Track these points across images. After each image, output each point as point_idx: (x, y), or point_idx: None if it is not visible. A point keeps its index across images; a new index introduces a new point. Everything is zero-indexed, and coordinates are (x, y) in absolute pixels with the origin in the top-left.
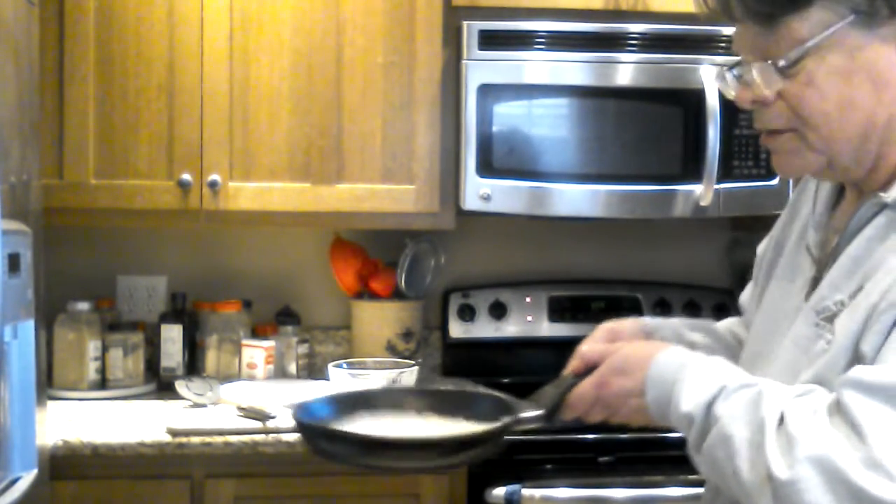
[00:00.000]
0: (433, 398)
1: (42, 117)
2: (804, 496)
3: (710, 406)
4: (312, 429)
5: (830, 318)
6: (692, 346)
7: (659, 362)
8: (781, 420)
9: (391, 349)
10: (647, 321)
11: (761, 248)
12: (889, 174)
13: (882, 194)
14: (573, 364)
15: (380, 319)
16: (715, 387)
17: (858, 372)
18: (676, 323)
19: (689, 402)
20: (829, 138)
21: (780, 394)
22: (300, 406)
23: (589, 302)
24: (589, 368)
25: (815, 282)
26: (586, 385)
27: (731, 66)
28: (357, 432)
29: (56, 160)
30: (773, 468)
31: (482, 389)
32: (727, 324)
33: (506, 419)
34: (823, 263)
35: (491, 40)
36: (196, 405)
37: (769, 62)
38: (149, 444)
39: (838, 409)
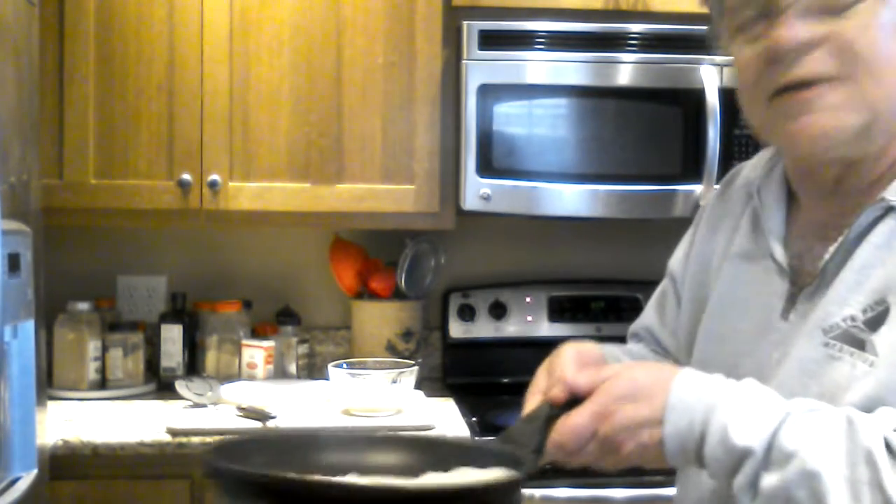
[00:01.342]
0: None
1: (42, 117)
2: None
3: (775, 436)
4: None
5: (844, 337)
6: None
7: (683, 385)
8: (889, 448)
9: (391, 349)
10: (599, 346)
11: (677, 266)
12: (881, 170)
13: (888, 196)
14: (553, 393)
15: (380, 319)
16: (778, 413)
17: None
18: (614, 349)
19: (743, 432)
20: (877, 91)
21: (870, 419)
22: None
23: (589, 302)
24: (571, 400)
25: (793, 297)
26: (582, 417)
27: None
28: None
29: (56, 160)
30: None
31: (455, 438)
32: (638, 349)
33: (485, 483)
34: (805, 278)
35: (491, 40)
36: (196, 405)
37: None
38: (149, 444)
39: None
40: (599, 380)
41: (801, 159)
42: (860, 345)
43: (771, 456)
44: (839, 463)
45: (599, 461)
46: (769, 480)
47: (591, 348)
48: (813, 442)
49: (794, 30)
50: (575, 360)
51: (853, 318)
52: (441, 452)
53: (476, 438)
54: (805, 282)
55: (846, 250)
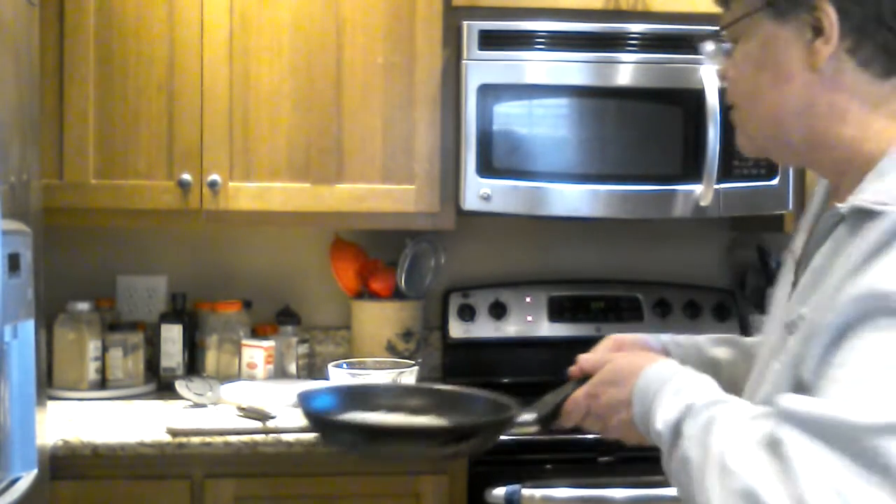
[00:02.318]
0: (432, 397)
1: (42, 117)
2: None
3: (677, 425)
4: (318, 419)
5: (790, 331)
6: (714, 362)
7: (646, 375)
8: (723, 449)
9: (391, 349)
10: (663, 336)
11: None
12: (842, 165)
13: (839, 204)
14: (572, 370)
15: (380, 319)
16: (684, 405)
17: (794, 403)
18: (699, 339)
19: (661, 419)
20: (744, 119)
21: (732, 419)
22: (305, 396)
23: (589, 302)
24: (586, 377)
25: (794, 285)
26: (579, 394)
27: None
28: (359, 421)
29: (56, 160)
30: (712, 498)
31: (480, 391)
32: (722, 350)
33: (500, 416)
34: (798, 270)
35: (491, 40)
36: (196, 405)
37: (716, 41)
38: (149, 444)
39: (773, 442)
40: (601, 364)
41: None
42: (786, 343)
43: (673, 442)
44: (699, 453)
45: (596, 430)
46: (672, 463)
47: (631, 337)
48: (693, 432)
49: (717, 63)
50: (606, 345)
51: (802, 317)
52: (449, 401)
53: (485, 393)
54: (797, 272)
55: (812, 252)
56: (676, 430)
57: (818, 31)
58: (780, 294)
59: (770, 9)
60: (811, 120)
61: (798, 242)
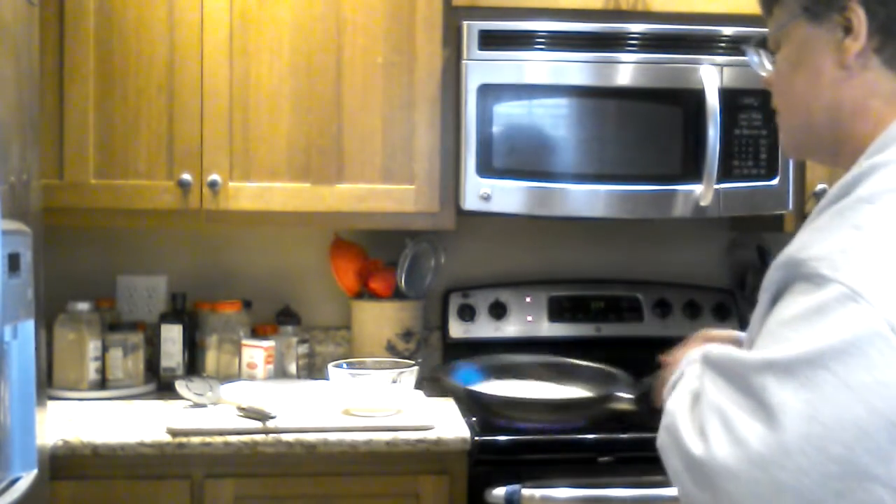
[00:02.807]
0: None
1: (42, 117)
2: (667, 459)
3: (674, 386)
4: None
5: None
6: None
7: (688, 357)
8: (672, 395)
9: (391, 349)
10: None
11: None
12: (856, 158)
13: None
14: (664, 357)
15: (380, 319)
16: (679, 373)
17: (712, 350)
18: None
19: (668, 388)
20: (784, 120)
21: (689, 372)
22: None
23: (589, 302)
24: None
25: None
26: (664, 377)
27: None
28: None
29: (56, 160)
30: (658, 436)
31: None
32: None
33: (606, 391)
34: None
35: (491, 40)
36: (196, 405)
37: (760, 50)
38: (149, 444)
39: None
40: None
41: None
42: None
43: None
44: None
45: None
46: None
47: (723, 333)
48: (677, 392)
49: (763, 72)
50: (695, 339)
51: None
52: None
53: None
54: None
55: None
56: (672, 393)
57: (847, 30)
58: None
59: (807, 13)
60: (838, 115)
61: None
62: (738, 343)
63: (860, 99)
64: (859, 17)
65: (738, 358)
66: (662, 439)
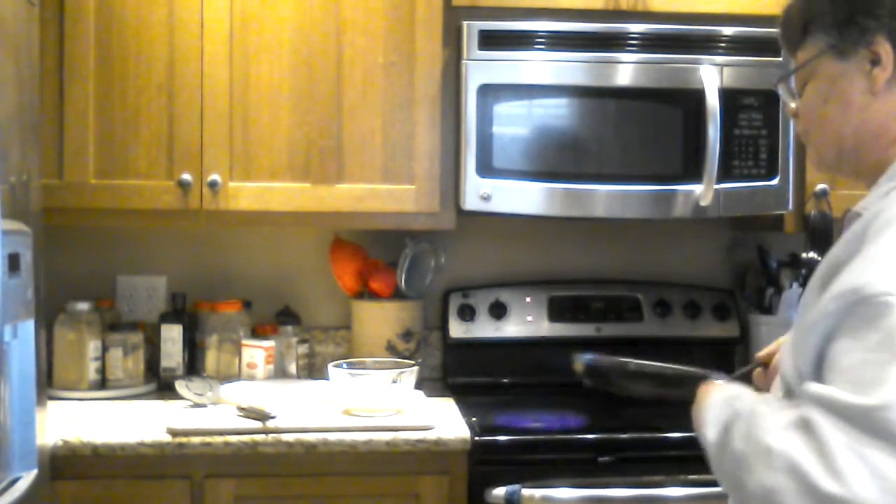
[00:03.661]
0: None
1: (42, 117)
2: (784, 498)
3: (727, 426)
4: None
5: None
6: None
7: (714, 398)
8: (765, 436)
9: (391, 349)
10: None
11: None
12: (877, 175)
13: (851, 209)
14: (761, 353)
15: (380, 319)
16: (732, 410)
17: (819, 391)
18: None
19: (711, 425)
20: (815, 144)
21: (767, 412)
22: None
23: (589, 302)
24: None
25: None
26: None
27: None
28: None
29: (56, 160)
30: (763, 479)
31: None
32: None
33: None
34: None
35: (491, 40)
36: (196, 405)
37: (788, 84)
38: (149, 444)
39: (804, 423)
40: (773, 351)
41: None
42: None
43: (724, 440)
44: (744, 444)
45: None
46: (726, 459)
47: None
48: (739, 431)
49: (787, 106)
50: (780, 341)
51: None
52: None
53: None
54: None
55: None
56: (727, 430)
57: (875, 61)
58: None
59: (833, 50)
60: (863, 137)
61: None
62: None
63: (883, 121)
64: (887, 50)
65: (852, 403)
66: (777, 481)
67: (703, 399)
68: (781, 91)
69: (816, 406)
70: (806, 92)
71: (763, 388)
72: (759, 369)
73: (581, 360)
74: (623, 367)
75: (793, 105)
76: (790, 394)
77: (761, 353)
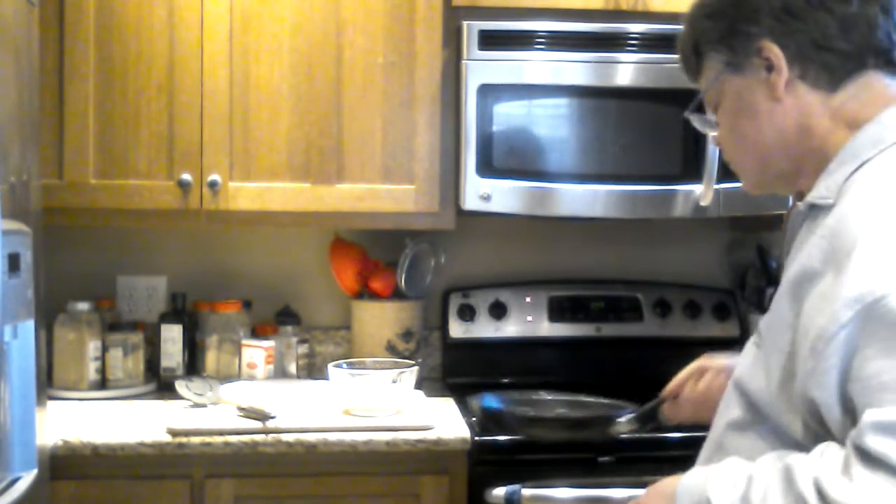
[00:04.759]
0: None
1: (42, 117)
2: None
3: (745, 499)
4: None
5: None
6: None
7: (684, 483)
8: (819, 489)
9: (391, 349)
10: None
11: None
12: (817, 174)
13: (798, 203)
14: (668, 386)
15: (380, 319)
16: (743, 479)
17: (872, 416)
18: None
19: (721, 498)
20: (740, 167)
21: (806, 462)
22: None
23: (589, 302)
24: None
25: None
26: None
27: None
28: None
29: (56, 160)
30: None
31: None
32: None
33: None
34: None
35: (491, 40)
36: (196, 405)
37: (700, 114)
38: (149, 444)
39: (868, 456)
40: (681, 383)
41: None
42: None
43: None
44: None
45: None
46: None
47: (715, 363)
48: (767, 494)
49: (710, 136)
50: (688, 369)
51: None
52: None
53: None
54: None
55: (786, 254)
56: (746, 501)
57: (769, 68)
58: None
59: (730, 67)
60: (786, 143)
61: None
62: (731, 368)
63: (801, 121)
64: (775, 53)
65: None
66: None
67: (673, 485)
68: (696, 123)
69: (874, 432)
70: (718, 116)
71: (672, 420)
72: (667, 403)
73: (481, 406)
74: (522, 416)
75: (713, 133)
76: (755, 416)
77: (669, 387)
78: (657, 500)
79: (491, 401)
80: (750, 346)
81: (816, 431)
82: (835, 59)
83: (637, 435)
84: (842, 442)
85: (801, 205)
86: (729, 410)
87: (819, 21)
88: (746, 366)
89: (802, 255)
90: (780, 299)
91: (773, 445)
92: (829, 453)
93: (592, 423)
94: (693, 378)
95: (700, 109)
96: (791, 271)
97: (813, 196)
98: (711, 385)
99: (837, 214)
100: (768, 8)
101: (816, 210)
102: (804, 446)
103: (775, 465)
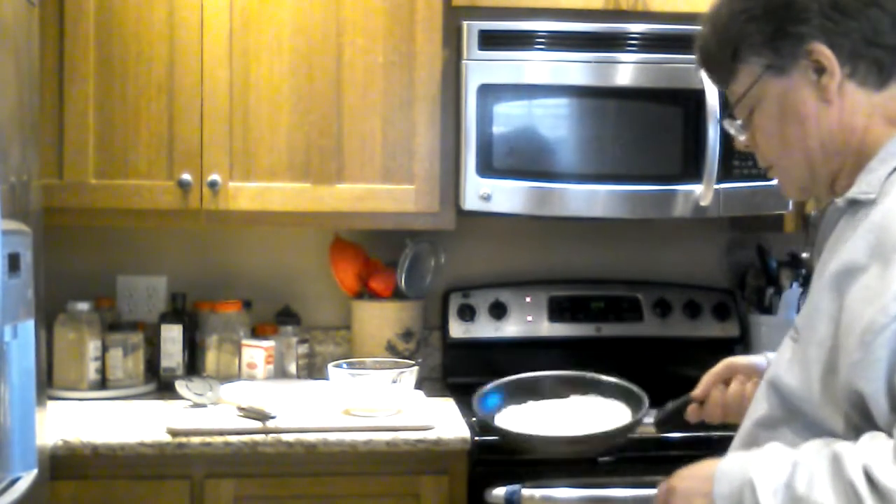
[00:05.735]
0: (575, 382)
1: (42, 117)
2: None
3: (789, 486)
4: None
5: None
6: None
7: (726, 463)
8: (868, 476)
9: (391, 349)
10: (770, 354)
11: None
12: (856, 172)
13: (836, 199)
14: (697, 389)
15: (380, 319)
16: (788, 463)
17: None
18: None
19: (766, 489)
20: (784, 172)
21: (855, 450)
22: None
23: (589, 302)
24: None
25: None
26: (661, 487)
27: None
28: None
29: (56, 160)
30: None
31: (615, 379)
32: None
33: (627, 422)
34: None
35: (491, 40)
36: (196, 405)
37: (733, 119)
38: (149, 444)
39: None
40: (708, 386)
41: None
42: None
43: (790, 498)
44: (834, 497)
45: None
46: None
47: (743, 361)
48: (814, 484)
49: (738, 140)
50: (719, 370)
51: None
52: (586, 384)
53: (613, 378)
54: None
55: (819, 251)
56: (791, 491)
57: (820, 70)
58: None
59: (771, 70)
60: (831, 146)
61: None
62: (759, 370)
63: (846, 121)
64: (827, 56)
65: None
66: None
67: (710, 468)
68: (733, 130)
69: None
70: (755, 121)
71: (694, 423)
72: (693, 405)
73: (488, 424)
74: (525, 440)
75: (742, 138)
76: (788, 412)
77: (696, 392)
78: (692, 483)
79: (487, 412)
80: (787, 342)
81: (857, 425)
82: (885, 55)
83: (640, 435)
84: (888, 433)
85: (839, 201)
86: (758, 408)
87: (871, 17)
88: (783, 362)
89: (845, 250)
90: (820, 293)
91: (807, 441)
92: (877, 442)
93: (599, 439)
94: (721, 381)
95: (730, 116)
96: (832, 265)
97: (854, 192)
98: (742, 390)
99: (883, 209)
100: (818, 7)
101: (856, 206)
102: (843, 440)
103: (822, 452)
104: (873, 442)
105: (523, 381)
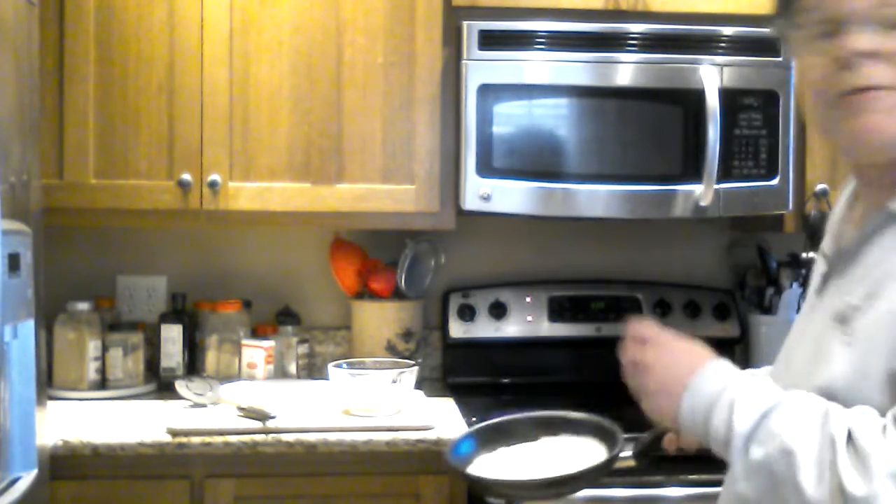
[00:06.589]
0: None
1: (42, 117)
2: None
3: (764, 418)
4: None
5: (844, 320)
6: None
7: (698, 381)
8: (850, 437)
9: (391, 349)
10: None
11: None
12: None
13: (890, 205)
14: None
15: (380, 319)
16: (771, 400)
17: None
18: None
19: (741, 413)
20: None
21: (843, 412)
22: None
23: (589, 302)
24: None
25: (826, 279)
26: (634, 349)
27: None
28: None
29: (56, 160)
30: (847, 485)
31: (586, 416)
32: None
33: (601, 460)
34: (835, 264)
35: (491, 40)
36: (196, 405)
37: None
38: (149, 444)
39: None
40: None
41: (856, 157)
42: (848, 328)
43: (758, 434)
44: (811, 445)
45: (631, 382)
46: (756, 453)
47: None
48: (793, 426)
49: (858, 41)
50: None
51: (856, 308)
52: (556, 424)
53: (583, 415)
54: (835, 265)
55: (859, 246)
56: (764, 425)
57: None
58: (811, 292)
59: None
60: None
61: (828, 243)
62: None
63: None
64: None
65: None
66: (877, 491)
67: (674, 375)
68: (873, 28)
69: None
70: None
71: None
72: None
73: (462, 473)
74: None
75: (867, 44)
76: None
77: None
78: (666, 374)
79: (462, 459)
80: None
81: None
82: None
83: (640, 435)
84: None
85: (893, 207)
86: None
87: None
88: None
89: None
90: (882, 297)
91: None
92: (869, 416)
93: (576, 479)
94: None
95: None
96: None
97: None
98: None
99: None
100: None
101: None
102: None
103: (814, 402)
104: (865, 415)
105: (498, 426)
